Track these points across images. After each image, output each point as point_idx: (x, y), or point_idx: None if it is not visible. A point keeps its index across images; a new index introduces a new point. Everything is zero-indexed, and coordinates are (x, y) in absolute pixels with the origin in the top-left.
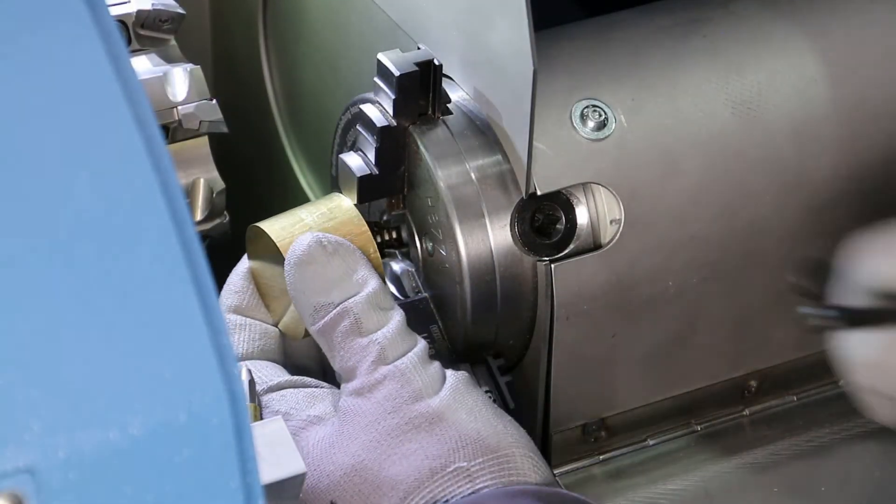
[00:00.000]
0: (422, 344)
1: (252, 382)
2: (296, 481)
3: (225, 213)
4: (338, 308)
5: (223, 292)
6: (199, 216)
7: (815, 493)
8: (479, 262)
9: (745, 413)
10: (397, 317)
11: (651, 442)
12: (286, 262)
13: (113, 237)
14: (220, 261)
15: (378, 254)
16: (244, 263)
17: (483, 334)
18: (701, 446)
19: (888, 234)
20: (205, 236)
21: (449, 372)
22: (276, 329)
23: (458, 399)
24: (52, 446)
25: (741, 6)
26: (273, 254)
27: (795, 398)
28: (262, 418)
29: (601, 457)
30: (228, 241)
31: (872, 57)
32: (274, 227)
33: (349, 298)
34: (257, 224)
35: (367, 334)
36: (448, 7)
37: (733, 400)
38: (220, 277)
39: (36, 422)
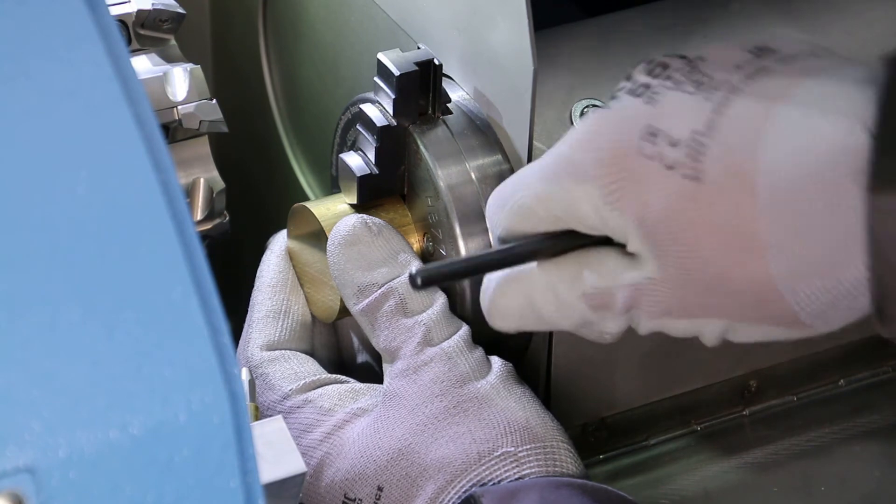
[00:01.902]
0: (466, 328)
1: (252, 382)
2: (296, 481)
3: (225, 213)
4: (383, 288)
5: (261, 269)
6: (199, 216)
7: (815, 493)
8: None
9: (745, 413)
10: (441, 299)
11: (651, 442)
12: (330, 242)
13: (113, 237)
14: (220, 261)
15: (420, 244)
16: (281, 241)
17: (483, 334)
18: (701, 446)
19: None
20: (205, 236)
21: (494, 358)
22: (310, 316)
23: (507, 386)
24: (53, 446)
25: (741, 6)
26: (314, 235)
27: (795, 398)
28: (261, 417)
29: (601, 456)
30: (228, 241)
31: (872, 57)
32: (319, 207)
33: (394, 279)
34: (302, 203)
35: (413, 315)
36: (448, 7)
37: (733, 400)
38: (221, 277)
39: (36, 421)
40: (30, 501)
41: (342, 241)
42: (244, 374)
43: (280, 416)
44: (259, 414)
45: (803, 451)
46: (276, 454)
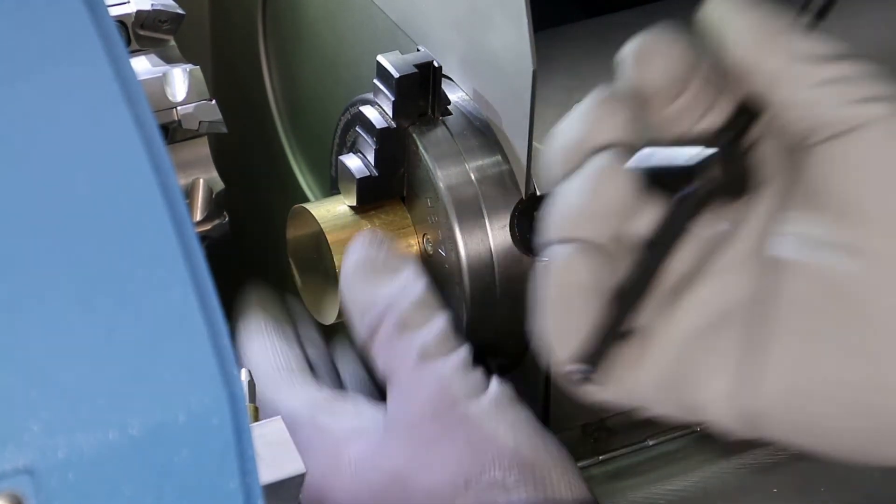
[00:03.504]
0: (464, 349)
1: (252, 383)
2: (295, 482)
3: (224, 213)
4: (384, 306)
5: (247, 359)
6: (198, 216)
7: (815, 494)
8: (478, 263)
9: None
10: (441, 319)
11: (651, 442)
12: (345, 258)
13: (112, 237)
14: (220, 261)
15: (420, 245)
16: (250, 321)
17: (483, 334)
18: (701, 446)
19: None
20: (204, 237)
21: (491, 380)
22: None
23: (500, 411)
24: (52, 446)
25: None
26: (314, 236)
27: None
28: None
29: (601, 457)
30: (228, 241)
31: (872, 57)
32: (319, 209)
33: (396, 297)
34: (302, 205)
35: (411, 335)
36: (448, 8)
37: None
38: (220, 278)
39: (35, 422)
40: (29, 502)
41: (356, 267)
42: (243, 375)
43: (280, 417)
44: (258, 415)
45: (803, 452)
46: (276, 455)
